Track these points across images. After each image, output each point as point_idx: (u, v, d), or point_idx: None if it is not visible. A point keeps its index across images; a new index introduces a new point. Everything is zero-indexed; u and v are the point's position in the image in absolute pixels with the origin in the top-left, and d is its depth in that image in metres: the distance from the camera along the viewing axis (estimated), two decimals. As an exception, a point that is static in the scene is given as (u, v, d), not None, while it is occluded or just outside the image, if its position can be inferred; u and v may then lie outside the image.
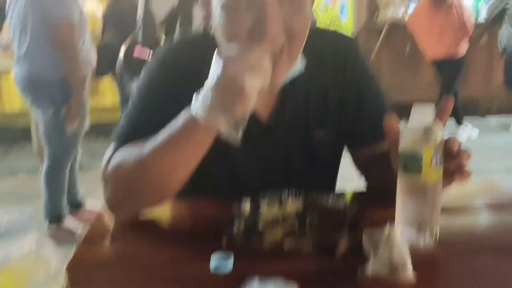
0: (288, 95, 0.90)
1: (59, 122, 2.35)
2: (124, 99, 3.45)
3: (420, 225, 0.70)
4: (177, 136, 0.75)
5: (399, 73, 4.82)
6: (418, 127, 0.68)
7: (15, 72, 2.37)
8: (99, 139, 4.24)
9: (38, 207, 2.63)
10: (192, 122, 0.73)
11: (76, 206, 2.76)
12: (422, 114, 0.69)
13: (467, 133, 4.27)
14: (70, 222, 2.58)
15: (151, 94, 0.91)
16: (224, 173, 0.93)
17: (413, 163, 0.68)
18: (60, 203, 2.51)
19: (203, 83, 0.73)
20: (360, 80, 0.94)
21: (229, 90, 0.68)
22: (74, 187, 2.74)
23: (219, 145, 0.78)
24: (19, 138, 4.43)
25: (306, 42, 0.80)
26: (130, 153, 0.81)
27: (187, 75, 0.86)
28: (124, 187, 0.81)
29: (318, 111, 0.93)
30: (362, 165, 0.99)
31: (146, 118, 0.88)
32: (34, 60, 2.28)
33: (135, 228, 0.83)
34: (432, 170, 0.67)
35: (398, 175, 0.71)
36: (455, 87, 4.10)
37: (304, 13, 0.76)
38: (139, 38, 2.73)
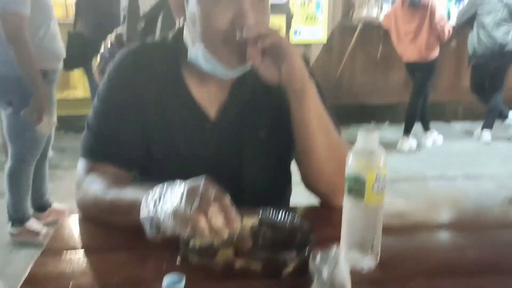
0: (237, 91, 0.97)
1: (20, 121, 2.19)
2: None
3: (362, 248, 0.75)
4: (124, 210, 0.81)
5: (372, 74, 4.86)
6: (363, 151, 0.72)
7: None
8: (69, 133, 4.25)
9: (1, 207, 2.52)
10: (136, 212, 0.76)
11: (42, 207, 2.66)
12: (368, 139, 0.72)
13: (433, 138, 4.33)
14: (34, 223, 2.48)
15: (111, 102, 0.95)
16: (175, 171, 0.92)
17: (356, 187, 0.71)
18: (23, 204, 2.41)
19: (158, 90, 0.94)
20: None
21: (181, 223, 0.69)
22: (42, 187, 2.63)
23: (170, 144, 0.93)
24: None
25: None
26: (95, 189, 0.89)
27: (143, 81, 0.94)
28: (89, 212, 0.92)
29: (263, 110, 0.99)
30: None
31: (108, 129, 0.94)
32: None
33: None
34: (374, 194, 0.71)
35: (343, 199, 0.75)
36: (426, 91, 4.13)
37: (268, 11, 0.90)
38: (124, 33, 2.52)
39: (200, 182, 0.71)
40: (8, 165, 2.37)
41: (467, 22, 4.13)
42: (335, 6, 4.70)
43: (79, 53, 3.53)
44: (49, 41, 2.26)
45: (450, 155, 4.08)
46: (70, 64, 3.61)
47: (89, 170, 0.93)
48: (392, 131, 4.66)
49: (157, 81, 0.94)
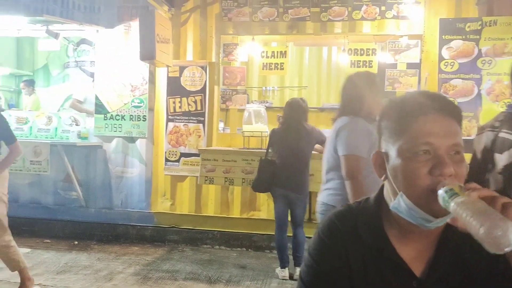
0: (443, 249, 0.97)
1: None
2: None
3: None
4: None
5: None
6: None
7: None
8: (249, 251, 4.78)
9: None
10: None
11: None
12: None
13: None
14: None
15: (320, 260, 1.03)
16: None
17: (451, 193, 0.83)
18: None
19: (363, 249, 0.99)
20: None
21: None
22: None
23: None
24: (182, 241, 4.96)
25: None
26: None
27: (349, 243, 1.01)
28: None
29: (472, 272, 0.96)
30: None
31: (318, 285, 1.02)
32: (329, 189, 2.54)
33: None
34: (463, 191, 0.82)
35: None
36: None
37: (464, 162, 0.94)
38: None
39: None
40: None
41: None
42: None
43: (268, 178, 3.93)
44: (372, 184, 2.57)
45: None
46: (259, 187, 4.04)
47: None
48: None
49: (362, 241, 1.00)
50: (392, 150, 0.96)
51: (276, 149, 4.00)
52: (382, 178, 1.01)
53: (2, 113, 3.33)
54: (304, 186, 3.91)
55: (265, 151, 4.14)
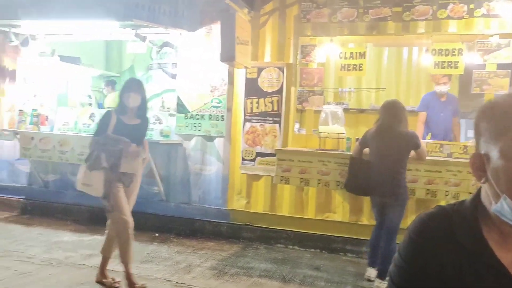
0: None
1: None
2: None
3: None
4: None
5: None
6: None
7: None
8: (323, 252, 4.77)
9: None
10: None
11: None
12: None
13: None
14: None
15: (411, 262, 1.01)
16: None
17: None
18: None
19: (459, 253, 0.95)
20: None
21: None
22: None
23: None
24: (256, 239, 5.03)
25: None
26: None
27: (443, 245, 0.98)
28: None
29: None
30: None
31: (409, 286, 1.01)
32: None
33: None
34: None
35: None
36: None
37: None
38: None
39: None
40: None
41: None
42: None
43: (363, 181, 3.87)
44: None
45: None
46: (352, 188, 4.02)
47: None
48: None
49: (456, 243, 0.97)
50: (493, 151, 0.93)
51: (370, 151, 3.92)
52: (482, 181, 0.97)
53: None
54: (399, 190, 3.72)
55: (342, 152, 4.07)
